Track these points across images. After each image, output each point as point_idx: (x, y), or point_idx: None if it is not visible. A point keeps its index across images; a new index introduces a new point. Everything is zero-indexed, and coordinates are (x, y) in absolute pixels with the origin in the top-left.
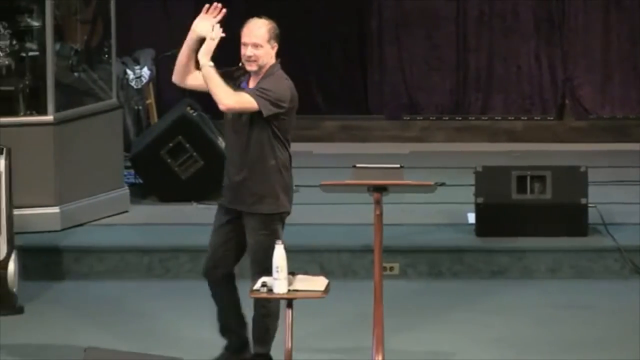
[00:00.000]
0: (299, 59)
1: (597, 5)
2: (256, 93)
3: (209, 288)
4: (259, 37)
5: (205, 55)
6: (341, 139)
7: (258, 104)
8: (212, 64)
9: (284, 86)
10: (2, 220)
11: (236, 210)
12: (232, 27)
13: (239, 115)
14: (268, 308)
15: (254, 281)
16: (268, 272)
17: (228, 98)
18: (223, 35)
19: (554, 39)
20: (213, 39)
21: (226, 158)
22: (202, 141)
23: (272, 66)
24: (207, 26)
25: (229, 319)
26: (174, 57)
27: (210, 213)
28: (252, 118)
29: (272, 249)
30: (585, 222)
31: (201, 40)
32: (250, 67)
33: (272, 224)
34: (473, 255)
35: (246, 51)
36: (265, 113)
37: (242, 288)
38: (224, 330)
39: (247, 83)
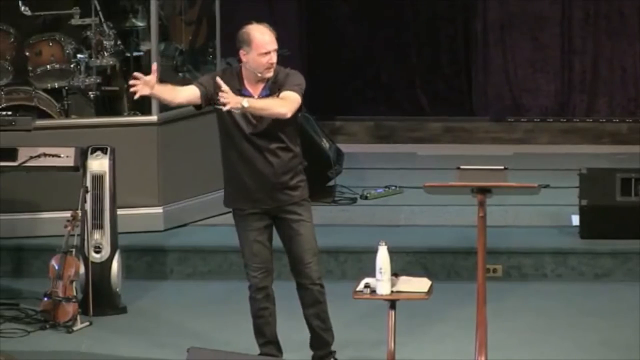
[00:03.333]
0: (404, 61)
1: None
2: (295, 89)
3: (259, 301)
4: (276, 42)
5: (236, 100)
6: (445, 140)
7: (300, 98)
8: (246, 101)
9: (302, 76)
10: (106, 220)
11: (270, 212)
12: (339, 28)
13: (256, 121)
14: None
15: (315, 267)
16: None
17: (285, 107)
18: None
19: None
20: (225, 91)
21: (236, 168)
22: (306, 142)
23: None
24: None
25: (274, 329)
26: (278, 58)
27: (313, 214)
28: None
29: None
30: None
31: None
32: (269, 74)
33: (311, 207)
34: (577, 258)
35: (271, 59)
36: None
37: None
38: (267, 343)
39: (246, 88)
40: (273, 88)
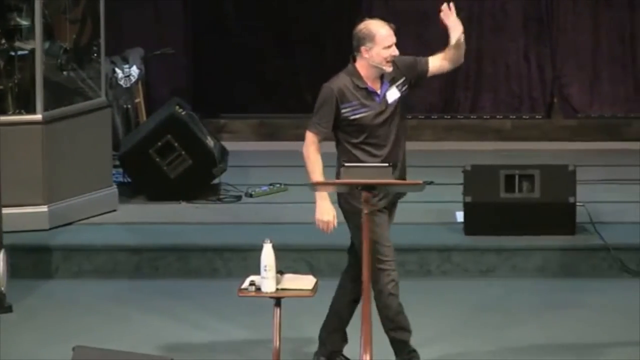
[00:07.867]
0: (290, 59)
1: (586, 4)
2: (418, 58)
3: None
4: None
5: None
6: (331, 137)
7: None
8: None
9: None
10: None
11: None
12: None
13: (391, 112)
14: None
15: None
16: None
17: None
18: None
19: (543, 38)
20: None
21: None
22: (190, 140)
23: None
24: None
25: None
26: (163, 56)
27: (198, 212)
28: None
29: None
30: (573, 221)
31: None
32: (391, 67)
33: None
34: (461, 254)
35: (394, 51)
36: None
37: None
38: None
39: (371, 86)
40: (395, 77)
